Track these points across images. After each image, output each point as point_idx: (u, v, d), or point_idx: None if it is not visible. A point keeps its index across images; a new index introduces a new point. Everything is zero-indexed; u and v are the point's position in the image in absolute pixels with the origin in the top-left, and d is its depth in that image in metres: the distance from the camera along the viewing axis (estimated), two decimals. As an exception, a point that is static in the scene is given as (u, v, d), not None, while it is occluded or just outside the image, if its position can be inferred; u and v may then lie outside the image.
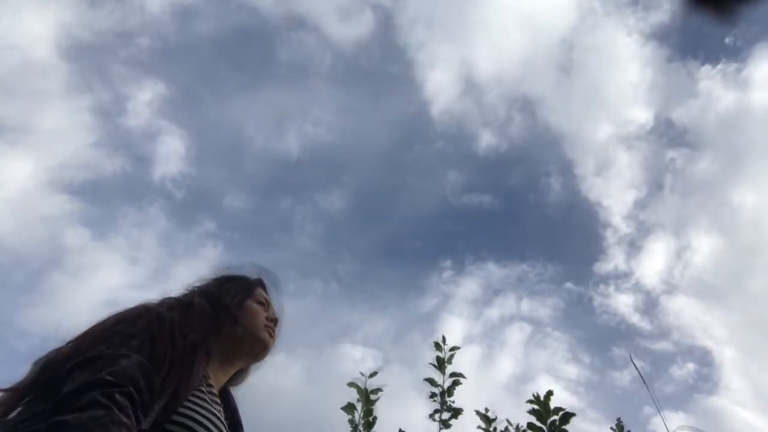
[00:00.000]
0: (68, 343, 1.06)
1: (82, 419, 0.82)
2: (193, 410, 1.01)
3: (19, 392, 1.01)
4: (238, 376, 1.36)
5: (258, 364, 1.36)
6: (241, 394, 1.37)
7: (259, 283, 1.43)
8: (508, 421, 2.69)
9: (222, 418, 1.08)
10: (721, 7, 0.74)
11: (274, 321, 1.36)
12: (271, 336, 1.33)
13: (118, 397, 0.87)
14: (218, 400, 1.12)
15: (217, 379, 1.22)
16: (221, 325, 1.21)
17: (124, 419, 0.85)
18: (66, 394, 0.87)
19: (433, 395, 2.70)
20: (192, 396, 1.03)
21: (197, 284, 1.33)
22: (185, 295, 1.26)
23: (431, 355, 2.82)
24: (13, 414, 0.98)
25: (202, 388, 1.07)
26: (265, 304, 1.38)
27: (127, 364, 0.93)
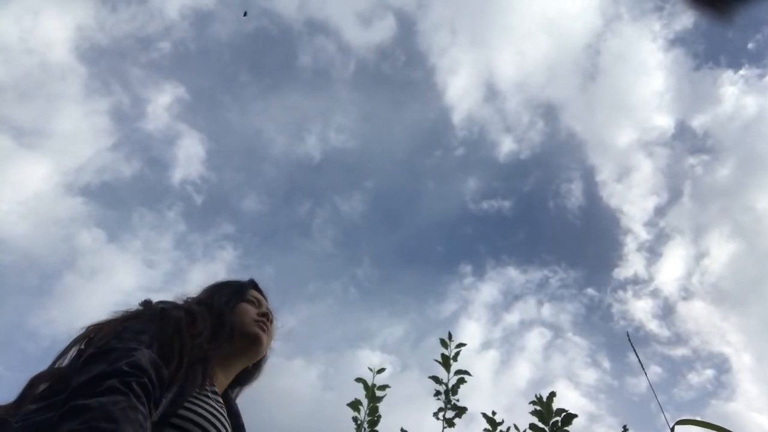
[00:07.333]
0: (82, 336, 1.12)
1: (102, 402, 0.85)
2: (199, 406, 1.05)
3: (33, 384, 1.05)
4: (246, 377, 1.37)
5: (258, 361, 1.36)
6: (254, 397, 1.38)
7: (251, 284, 1.44)
8: (515, 426, 2.70)
9: (225, 419, 1.11)
10: (720, 7, 0.74)
11: (267, 316, 1.36)
12: (263, 330, 1.31)
13: (135, 386, 0.91)
14: (221, 402, 1.15)
15: (219, 382, 1.23)
16: (219, 329, 1.23)
17: (141, 407, 0.90)
18: (84, 381, 0.90)
19: (437, 393, 2.70)
20: (197, 394, 1.07)
21: (191, 295, 1.34)
22: (184, 302, 1.29)
23: (438, 352, 2.79)
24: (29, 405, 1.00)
25: (207, 389, 1.11)
26: (257, 302, 1.38)
27: (140, 356, 0.98)
